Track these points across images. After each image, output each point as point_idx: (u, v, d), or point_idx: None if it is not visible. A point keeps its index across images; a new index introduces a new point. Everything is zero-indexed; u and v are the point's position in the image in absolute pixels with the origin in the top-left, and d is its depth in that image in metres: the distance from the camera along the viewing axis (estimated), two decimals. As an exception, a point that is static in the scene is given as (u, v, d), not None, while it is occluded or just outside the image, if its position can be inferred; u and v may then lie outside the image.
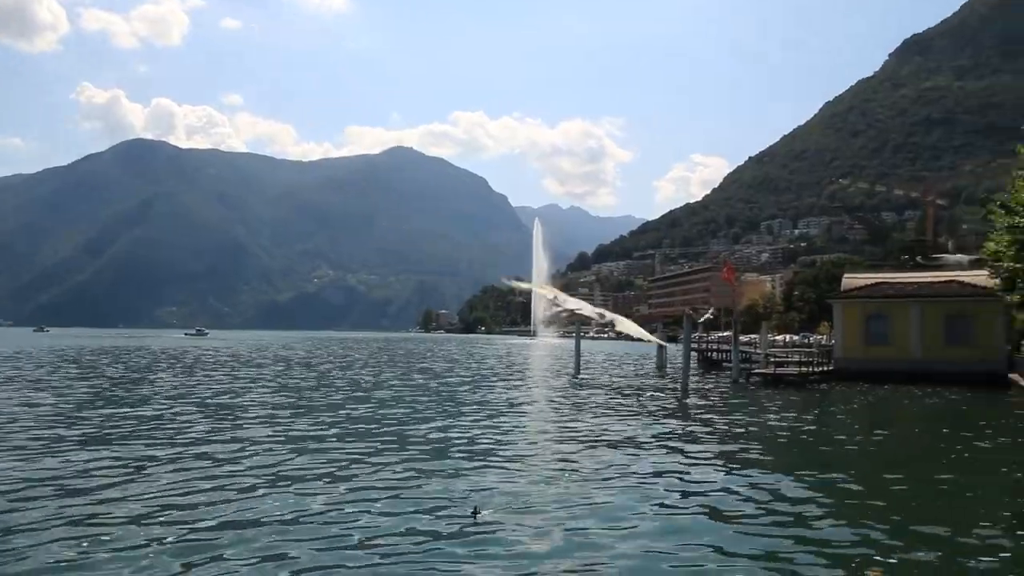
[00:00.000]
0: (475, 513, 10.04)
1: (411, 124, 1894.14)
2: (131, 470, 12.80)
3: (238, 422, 19.41)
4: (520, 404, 25.84)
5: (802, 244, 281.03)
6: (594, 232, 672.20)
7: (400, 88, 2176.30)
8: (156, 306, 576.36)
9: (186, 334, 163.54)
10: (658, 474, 13.31)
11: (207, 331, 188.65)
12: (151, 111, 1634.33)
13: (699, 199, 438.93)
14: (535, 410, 24.31)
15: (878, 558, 8.51)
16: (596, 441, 17.02)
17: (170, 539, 8.80)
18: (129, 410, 21.91)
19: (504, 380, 37.89)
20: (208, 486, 11.58)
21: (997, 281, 35.26)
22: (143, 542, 8.67)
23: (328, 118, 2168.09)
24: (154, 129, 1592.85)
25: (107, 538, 8.81)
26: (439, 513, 10.21)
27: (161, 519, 9.68)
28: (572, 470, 13.45)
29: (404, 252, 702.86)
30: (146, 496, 10.90)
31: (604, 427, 19.48)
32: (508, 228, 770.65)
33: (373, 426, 19.09)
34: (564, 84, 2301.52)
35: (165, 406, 23.03)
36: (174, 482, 11.85)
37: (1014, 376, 33.41)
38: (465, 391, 30.51)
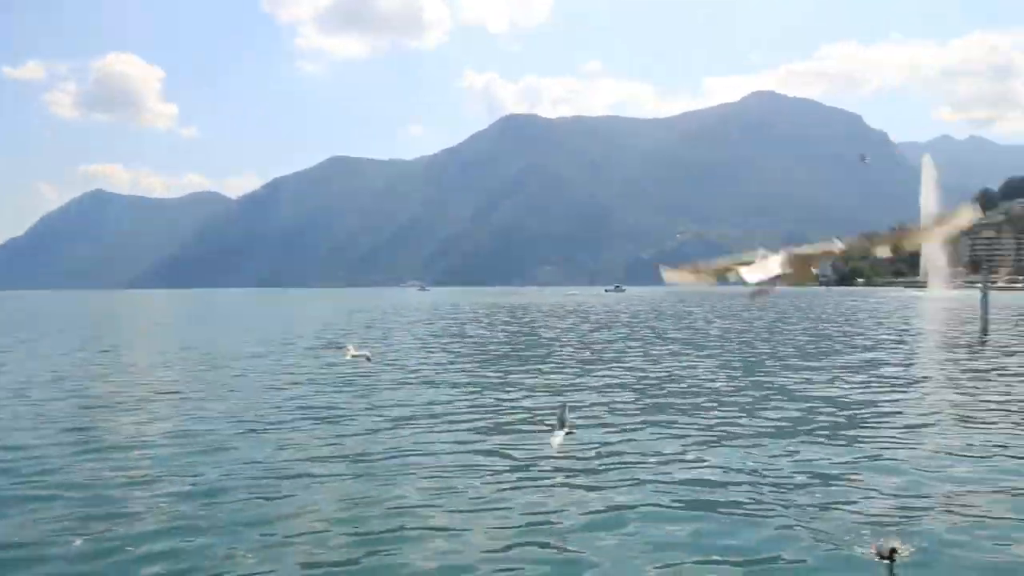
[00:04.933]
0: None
1: (771, 65, 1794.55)
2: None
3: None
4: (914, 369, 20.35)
5: None
6: (1000, 164, 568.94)
7: (757, 27, 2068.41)
8: (532, 266, 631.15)
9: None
10: None
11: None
12: (519, 87, 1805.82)
13: None
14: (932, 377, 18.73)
15: None
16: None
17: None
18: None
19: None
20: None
21: None
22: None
23: (685, 71, 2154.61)
24: (523, 103, 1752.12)
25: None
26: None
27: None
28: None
29: (769, 202, 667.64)
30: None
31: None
32: (888, 168, 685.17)
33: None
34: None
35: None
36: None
37: None
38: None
